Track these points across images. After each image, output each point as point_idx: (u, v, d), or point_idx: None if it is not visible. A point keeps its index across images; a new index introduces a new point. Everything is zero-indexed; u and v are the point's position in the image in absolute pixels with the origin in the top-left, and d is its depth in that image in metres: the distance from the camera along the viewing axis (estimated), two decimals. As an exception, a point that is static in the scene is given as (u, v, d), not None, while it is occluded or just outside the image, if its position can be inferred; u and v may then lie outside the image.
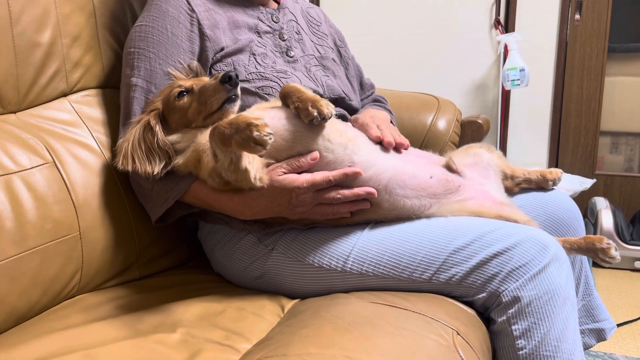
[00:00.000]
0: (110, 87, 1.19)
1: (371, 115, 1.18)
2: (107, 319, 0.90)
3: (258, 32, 1.17)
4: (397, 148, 1.06)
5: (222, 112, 0.97)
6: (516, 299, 0.87)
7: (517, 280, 0.87)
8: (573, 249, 1.05)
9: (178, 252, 1.19)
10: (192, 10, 1.10)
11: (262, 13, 1.20)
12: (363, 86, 1.44)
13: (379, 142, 1.05)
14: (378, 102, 1.44)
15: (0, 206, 0.88)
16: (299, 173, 0.94)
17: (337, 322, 0.80)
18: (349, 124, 1.11)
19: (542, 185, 1.18)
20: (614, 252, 1.01)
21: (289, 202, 0.94)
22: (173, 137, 0.98)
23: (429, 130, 1.53)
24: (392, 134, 1.07)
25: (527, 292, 0.86)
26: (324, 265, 0.97)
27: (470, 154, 1.14)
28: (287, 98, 0.98)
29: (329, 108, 0.94)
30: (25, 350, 0.80)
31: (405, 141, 1.08)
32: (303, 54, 1.23)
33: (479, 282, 0.90)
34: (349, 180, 0.95)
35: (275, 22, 1.21)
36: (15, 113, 1.02)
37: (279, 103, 1.02)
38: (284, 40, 1.20)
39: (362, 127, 1.10)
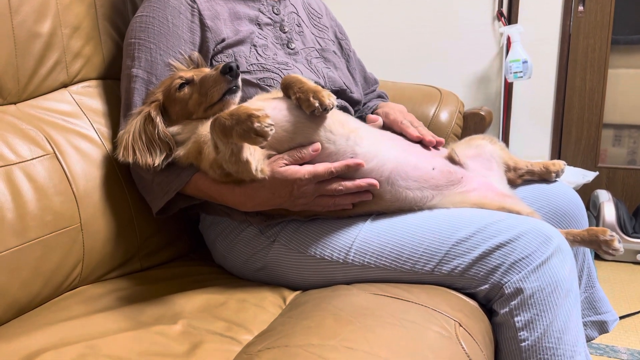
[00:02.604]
0: (111, 78, 1.19)
1: (399, 110, 1.21)
2: (108, 310, 0.90)
3: (259, 24, 1.16)
4: (437, 146, 1.10)
5: (223, 103, 0.96)
6: (519, 291, 0.86)
7: (520, 272, 0.87)
8: (576, 241, 1.04)
9: (179, 244, 1.19)
10: (193, 1, 1.09)
11: (262, 5, 1.19)
12: (367, 80, 1.44)
13: (419, 141, 1.09)
14: (381, 98, 1.43)
15: (1, 197, 0.88)
16: (301, 164, 0.94)
17: (338, 314, 0.80)
18: (377, 118, 1.13)
19: (545, 177, 1.18)
20: (617, 244, 1.01)
21: (290, 193, 0.94)
22: (174, 129, 0.98)
23: (431, 122, 1.53)
24: (429, 133, 1.11)
25: (529, 284, 0.86)
26: (326, 257, 0.97)
27: (473, 145, 1.14)
28: (289, 89, 0.97)
29: (330, 99, 0.93)
30: (27, 341, 0.80)
31: (442, 139, 1.11)
32: (304, 47, 1.22)
33: (482, 273, 0.89)
34: (351, 172, 0.95)
35: (276, 14, 1.20)
36: (15, 104, 1.02)
37: (280, 94, 1.01)
38: (284, 33, 1.19)
39: (395, 124, 1.13)
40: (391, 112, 1.17)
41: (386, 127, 1.15)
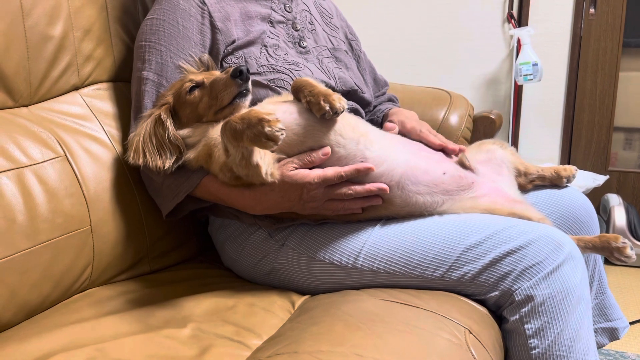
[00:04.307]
0: (122, 80, 1.19)
1: (414, 118, 1.21)
2: (117, 313, 0.90)
3: (271, 22, 1.16)
4: (459, 154, 1.10)
5: (233, 107, 0.96)
6: (529, 298, 0.86)
7: (531, 279, 0.86)
8: (588, 247, 1.04)
9: (188, 247, 1.19)
10: (204, 3, 1.09)
11: (275, 3, 1.19)
12: (377, 82, 1.43)
13: (440, 149, 1.09)
14: (392, 102, 1.42)
15: (12, 200, 0.89)
16: (310, 168, 0.94)
17: (348, 320, 0.80)
18: (394, 126, 1.13)
19: (556, 182, 1.17)
20: (629, 252, 1.00)
21: (300, 197, 0.94)
22: (184, 132, 0.98)
23: (441, 126, 1.52)
24: (449, 141, 1.12)
25: (540, 291, 0.85)
26: (335, 262, 0.97)
27: (484, 150, 1.13)
28: (299, 92, 0.97)
29: (341, 102, 0.93)
30: (37, 343, 0.80)
31: (464, 147, 1.12)
32: (316, 45, 1.22)
33: (492, 280, 0.89)
34: (360, 176, 0.95)
35: (289, 12, 1.20)
36: (27, 106, 1.02)
37: (290, 97, 1.01)
38: (297, 31, 1.19)
39: (414, 132, 1.13)
40: (407, 120, 1.17)
41: (401, 134, 1.14)
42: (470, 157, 1.07)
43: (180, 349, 0.80)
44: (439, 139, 1.11)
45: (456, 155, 1.10)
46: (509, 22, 2.51)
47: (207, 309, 0.92)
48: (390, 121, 1.19)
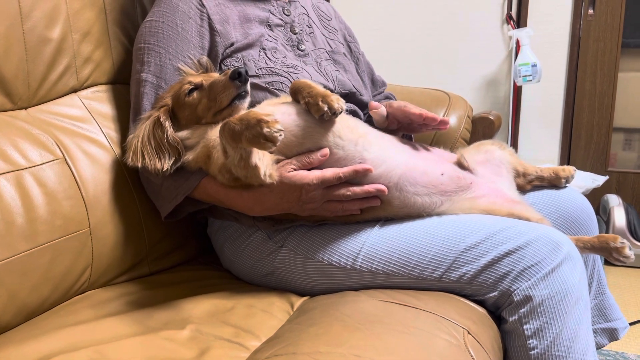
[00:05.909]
0: (120, 82, 1.19)
1: (404, 101, 1.20)
2: (117, 314, 0.90)
3: (269, 25, 1.16)
4: (441, 124, 1.08)
5: (232, 109, 0.96)
6: (528, 298, 0.86)
7: (529, 280, 0.86)
8: (586, 248, 1.04)
9: (187, 248, 1.19)
10: (202, 5, 1.10)
11: (273, 6, 1.19)
12: (375, 82, 1.43)
13: (422, 121, 1.08)
14: (389, 99, 1.43)
15: (11, 202, 0.89)
16: (309, 169, 0.94)
17: (346, 321, 0.80)
18: (379, 105, 1.12)
19: (554, 182, 1.17)
20: (628, 252, 1.00)
21: (298, 198, 0.94)
22: (183, 133, 0.98)
23: (440, 127, 1.52)
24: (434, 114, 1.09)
25: (539, 292, 0.85)
26: (334, 263, 0.97)
27: (482, 150, 1.13)
28: (298, 93, 0.97)
29: (339, 103, 0.93)
30: (36, 345, 0.80)
31: (446, 119, 1.10)
32: (314, 48, 1.22)
33: (490, 280, 0.89)
34: (359, 177, 0.95)
35: (287, 15, 1.20)
36: (25, 109, 1.03)
37: (289, 99, 1.01)
38: (295, 34, 1.19)
39: (399, 109, 1.11)
40: (395, 102, 1.17)
41: (390, 116, 1.14)
42: (469, 158, 1.08)
43: (179, 350, 0.80)
44: (419, 109, 1.09)
45: (438, 127, 1.09)
46: (508, 23, 2.52)
47: (206, 310, 0.92)
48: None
